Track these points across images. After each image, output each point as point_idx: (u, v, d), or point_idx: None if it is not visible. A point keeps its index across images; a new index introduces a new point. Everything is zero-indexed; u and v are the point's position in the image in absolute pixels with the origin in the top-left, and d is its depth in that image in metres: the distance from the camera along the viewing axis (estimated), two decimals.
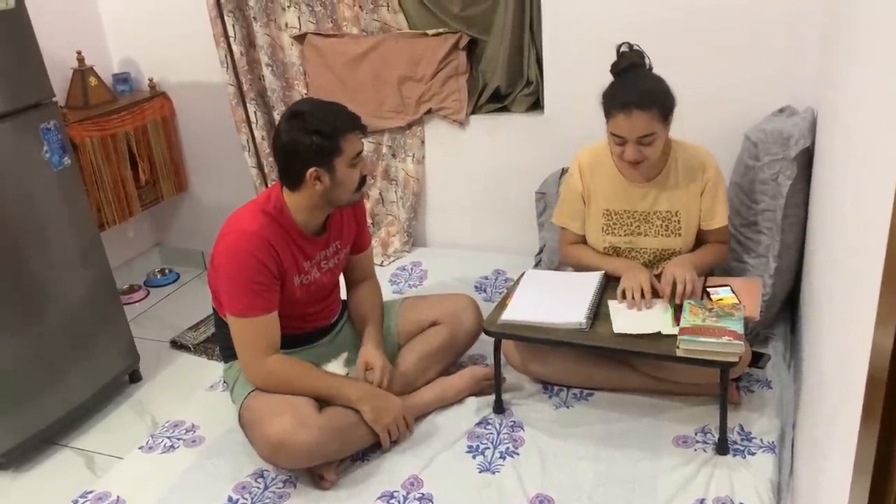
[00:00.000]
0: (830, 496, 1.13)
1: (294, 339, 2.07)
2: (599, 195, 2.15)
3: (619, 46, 2.05)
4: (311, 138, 1.85)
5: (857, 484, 0.86)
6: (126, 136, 3.22)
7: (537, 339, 1.99)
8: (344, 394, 1.94)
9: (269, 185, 3.30)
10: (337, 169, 1.90)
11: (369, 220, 3.14)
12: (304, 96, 3.15)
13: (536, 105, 2.92)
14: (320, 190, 1.91)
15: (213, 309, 2.12)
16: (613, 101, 1.97)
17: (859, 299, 1.01)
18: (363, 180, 1.99)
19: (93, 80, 3.18)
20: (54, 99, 2.47)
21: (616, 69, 2.03)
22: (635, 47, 2.04)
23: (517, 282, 2.20)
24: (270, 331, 1.94)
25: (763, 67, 2.45)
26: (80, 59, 3.15)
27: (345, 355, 2.14)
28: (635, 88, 1.96)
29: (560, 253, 2.34)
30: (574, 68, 2.70)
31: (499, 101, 2.95)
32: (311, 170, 1.87)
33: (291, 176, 1.91)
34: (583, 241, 2.25)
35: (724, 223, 2.11)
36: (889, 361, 0.72)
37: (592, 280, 2.11)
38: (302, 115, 1.88)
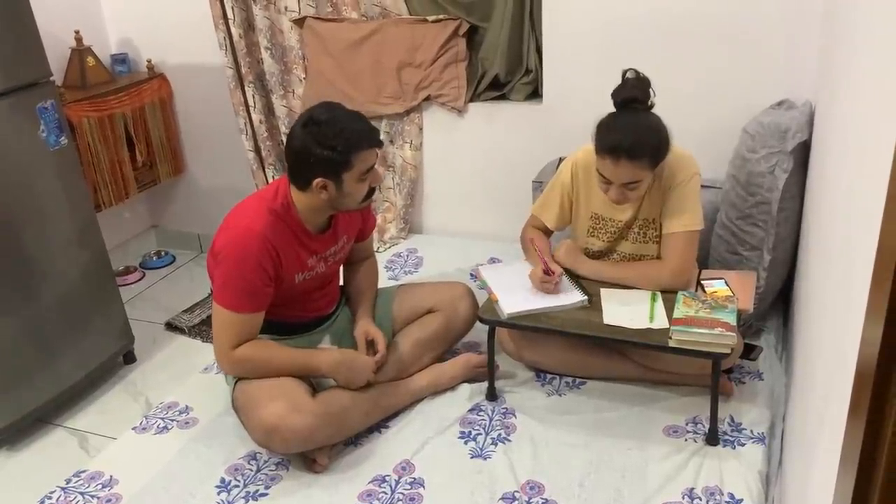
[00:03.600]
0: (818, 488, 1.14)
1: (292, 327, 2.08)
2: (590, 197, 2.11)
3: (625, 72, 1.93)
4: (322, 151, 1.81)
5: (843, 476, 0.86)
6: (123, 117, 3.21)
7: (533, 328, 2.00)
8: (313, 366, 1.96)
9: (265, 171, 3.33)
10: (345, 182, 1.87)
11: None
12: (303, 80, 3.14)
13: (535, 94, 2.91)
14: (325, 198, 1.89)
15: (211, 292, 2.12)
16: (604, 142, 1.88)
17: (851, 294, 1.02)
18: (371, 192, 1.97)
19: (90, 61, 3.17)
20: (51, 78, 2.45)
21: (616, 98, 1.91)
22: (641, 75, 1.92)
23: (481, 280, 2.17)
24: (251, 328, 1.93)
25: (762, 61, 2.45)
26: (79, 39, 3.13)
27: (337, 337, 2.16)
28: (628, 135, 1.84)
29: (523, 229, 2.28)
30: (574, 57, 2.69)
31: (498, 89, 2.95)
32: (318, 179, 1.85)
33: (299, 179, 1.89)
34: (546, 229, 2.21)
35: (673, 231, 1.99)
36: (877, 357, 0.73)
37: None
38: (319, 124, 1.82)
